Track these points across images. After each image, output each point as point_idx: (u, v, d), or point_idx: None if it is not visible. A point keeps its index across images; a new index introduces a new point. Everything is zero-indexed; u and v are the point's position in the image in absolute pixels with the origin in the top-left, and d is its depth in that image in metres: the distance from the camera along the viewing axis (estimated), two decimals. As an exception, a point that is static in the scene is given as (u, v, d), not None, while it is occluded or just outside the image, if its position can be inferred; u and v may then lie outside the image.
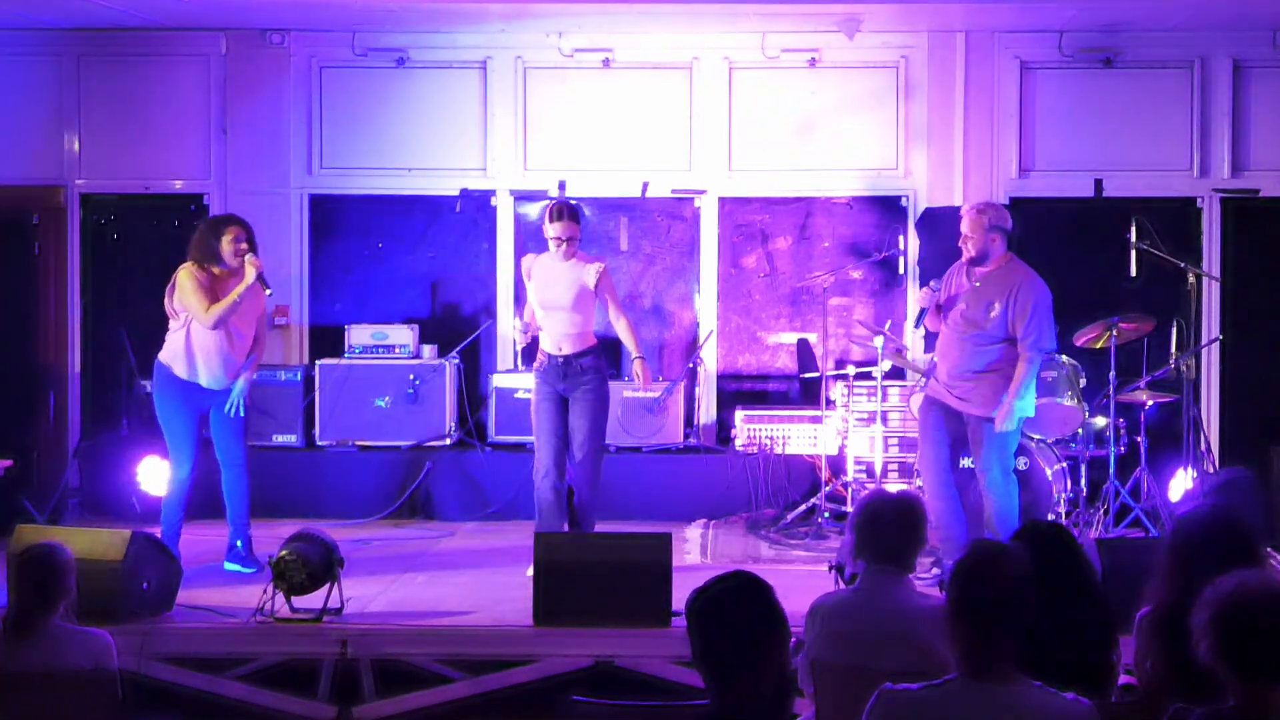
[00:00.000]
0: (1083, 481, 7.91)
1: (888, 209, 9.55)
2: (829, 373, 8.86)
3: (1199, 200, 9.42)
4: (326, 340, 9.44)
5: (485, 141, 9.61)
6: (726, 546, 8.07)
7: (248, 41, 9.55)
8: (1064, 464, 7.83)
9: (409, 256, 9.73)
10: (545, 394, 7.23)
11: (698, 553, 7.91)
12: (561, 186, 9.34)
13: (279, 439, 9.07)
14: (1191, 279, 8.68)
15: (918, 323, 7.24)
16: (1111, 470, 7.86)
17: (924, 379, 7.65)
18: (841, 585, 4.85)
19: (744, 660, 3.19)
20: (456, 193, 9.50)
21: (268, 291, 7.21)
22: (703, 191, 9.59)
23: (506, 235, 9.64)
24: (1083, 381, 7.96)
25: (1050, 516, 7.38)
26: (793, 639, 3.29)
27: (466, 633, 6.22)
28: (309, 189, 9.65)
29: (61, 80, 9.58)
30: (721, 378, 9.64)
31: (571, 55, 9.53)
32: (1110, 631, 4.06)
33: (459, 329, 9.50)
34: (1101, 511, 7.83)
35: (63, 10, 8.96)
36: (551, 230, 7.16)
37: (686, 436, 9.11)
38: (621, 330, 7.31)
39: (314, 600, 6.17)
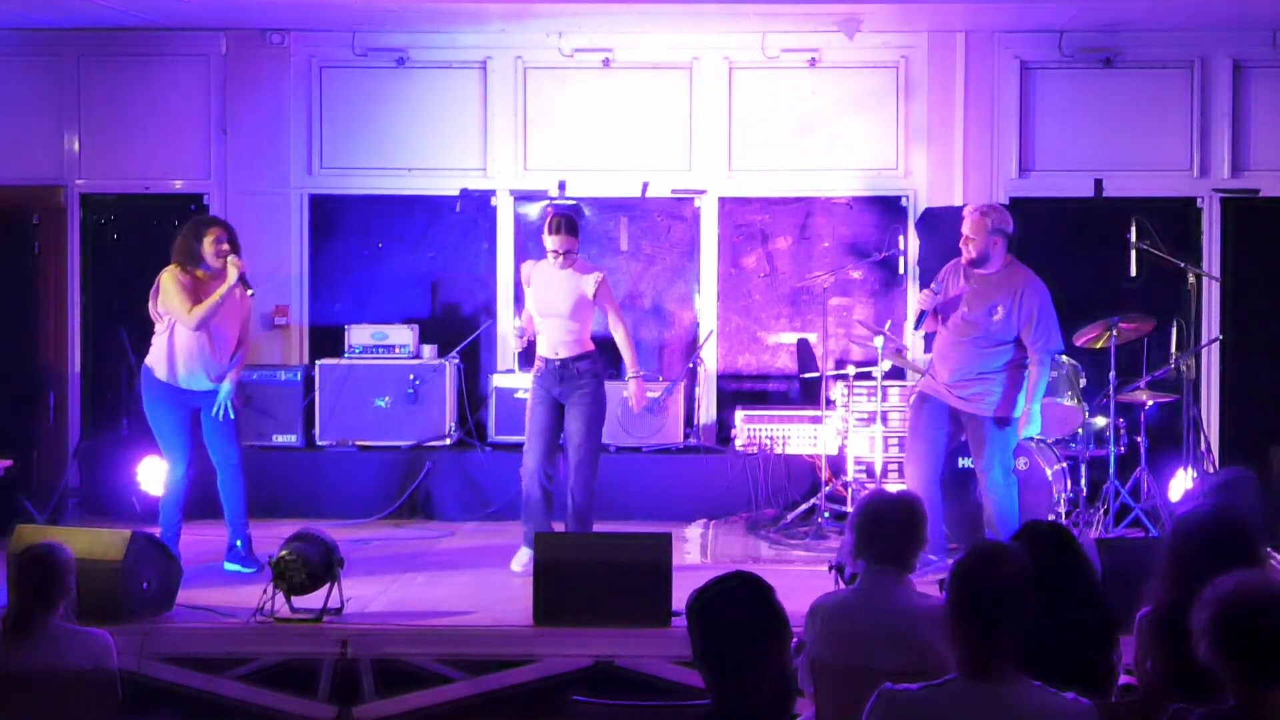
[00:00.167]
0: (1083, 481, 7.91)
1: (888, 209, 9.55)
2: (829, 373, 8.86)
3: (1199, 200, 9.42)
4: (326, 340, 9.44)
5: (485, 141, 9.61)
6: (726, 546, 8.07)
7: (248, 41, 9.55)
8: (1064, 464, 7.82)
9: (409, 256, 9.72)
10: (540, 398, 7.26)
11: (698, 553, 7.91)
12: (561, 186, 9.35)
13: (279, 439, 9.07)
14: (1191, 279, 8.68)
15: (918, 325, 7.24)
16: (1111, 470, 7.86)
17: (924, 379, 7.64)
18: (841, 585, 4.85)
19: (744, 660, 3.19)
20: (456, 193, 9.50)
21: (249, 292, 7.21)
22: (703, 191, 9.59)
23: (506, 235, 9.64)
24: (1083, 381, 7.96)
25: (1050, 516, 7.37)
26: (793, 639, 3.29)
27: (466, 633, 6.22)
28: (309, 189, 9.65)
29: (61, 80, 9.58)
30: (721, 378, 9.64)
31: (571, 55, 9.53)
32: (1110, 631, 4.06)
33: (459, 329, 9.50)
34: (1101, 511, 7.83)
35: (62, 10, 8.96)
36: (549, 243, 7.19)
37: (686, 436, 9.11)
38: (620, 340, 7.33)
39: (314, 600, 6.17)
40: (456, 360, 9.17)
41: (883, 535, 4.27)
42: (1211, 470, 8.45)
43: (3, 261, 9.63)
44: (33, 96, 9.61)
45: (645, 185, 9.42)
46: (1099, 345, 7.94)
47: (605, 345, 7.59)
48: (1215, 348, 9.22)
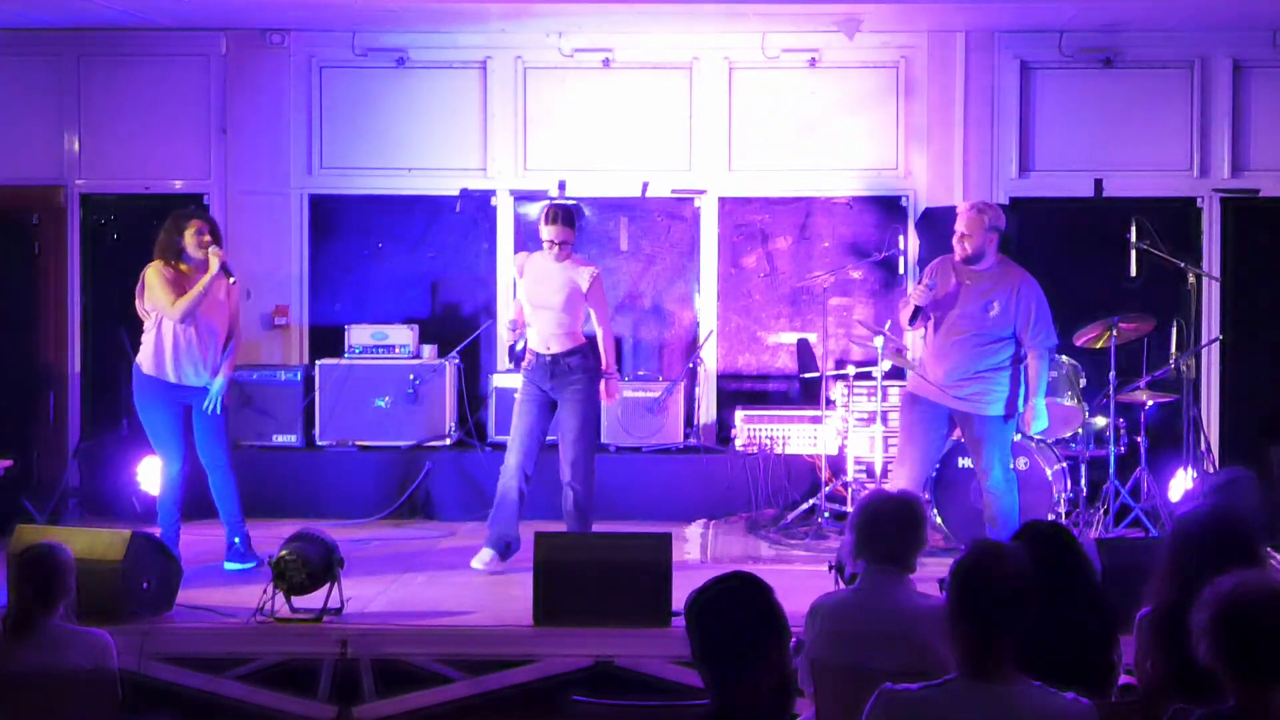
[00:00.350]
0: (1083, 481, 7.91)
1: (887, 209, 9.55)
2: (829, 373, 8.85)
3: (1199, 200, 9.42)
4: (326, 340, 9.44)
5: (485, 141, 9.61)
6: (726, 546, 8.06)
7: (248, 41, 9.55)
8: (1064, 464, 7.83)
9: (409, 256, 9.72)
10: (529, 394, 7.23)
11: (698, 553, 7.91)
12: (561, 186, 9.34)
13: (279, 439, 9.07)
14: (1191, 279, 8.68)
15: (911, 321, 7.17)
16: (1111, 470, 7.86)
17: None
18: (841, 585, 4.86)
19: (744, 660, 3.19)
20: (456, 193, 9.49)
21: (231, 279, 7.19)
22: (703, 191, 9.59)
23: (506, 235, 9.63)
24: (1083, 381, 7.96)
25: (1050, 516, 7.37)
26: (793, 639, 3.29)
27: (466, 633, 6.22)
28: (309, 189, 9.64)
29: (61, 80, 9.58)
30: (721, 378, 9.63)
31: (571, 55, 9.53)
32: (1110, 631, 4.07)
33: (459, 329, 9.50)
34: (1101, 511, 7.83)
35: (62, 10, 8.96)
36: (545, 233, 7.18)
37: (686, 436, 9.11)
38: (600, 337, 7.29)
39: (314, 600, 6.17)
40: (456, 360, 9.17)
41: (883, 535, 4.27)
42: (1211, 470, 8.45)
43: (3, 261, 9.62)
44: (33, 96, 9.60)
45: (645, 185, 9.42)
46: (1099, 345, 7.94)
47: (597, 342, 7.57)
48: (1215, 348, 9.22)
